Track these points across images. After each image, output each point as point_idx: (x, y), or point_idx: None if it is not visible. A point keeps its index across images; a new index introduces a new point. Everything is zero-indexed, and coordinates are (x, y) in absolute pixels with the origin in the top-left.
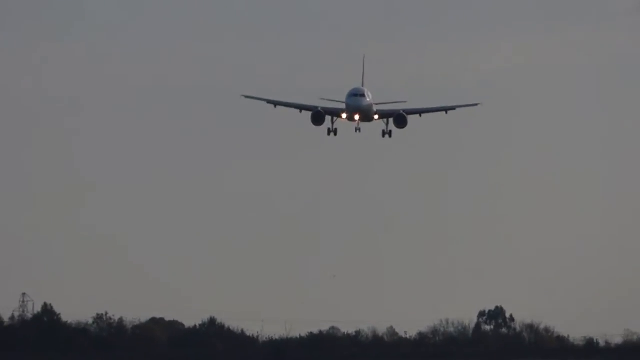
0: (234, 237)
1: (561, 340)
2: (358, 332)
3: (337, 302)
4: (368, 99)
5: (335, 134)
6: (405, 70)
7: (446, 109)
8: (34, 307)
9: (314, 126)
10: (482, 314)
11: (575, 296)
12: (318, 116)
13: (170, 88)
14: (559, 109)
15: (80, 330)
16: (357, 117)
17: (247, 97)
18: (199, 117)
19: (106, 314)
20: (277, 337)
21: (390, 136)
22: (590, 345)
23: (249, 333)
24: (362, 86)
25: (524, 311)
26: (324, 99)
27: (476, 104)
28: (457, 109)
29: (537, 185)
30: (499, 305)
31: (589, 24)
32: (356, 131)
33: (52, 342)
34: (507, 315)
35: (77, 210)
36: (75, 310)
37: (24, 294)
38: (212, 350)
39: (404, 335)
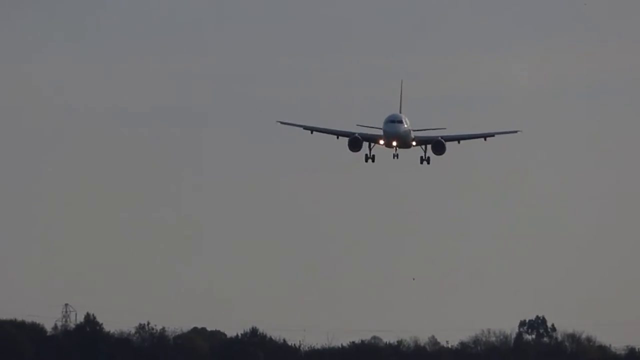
0: (276, 248)
1: (603, 350)
2: (400, 342)
3: (379, 312)
4: (406, 125)
5: (373, 160)
6: (444, 96)
7: (485, 136)
8: (77, 317)
9: (351, 152)
10: (522, 324)
11: (616, 305)
12: (355, 142)
13: (203, 115)
14: (600, 132)
15: (122, 340)
16: (394, 143)
17: (282, 123)
18: (234, 144)
19: (148, 323)
20: (319, 346)
21: (428, 163)
22: (632, 354)
23: (290, 343)
24: (400, 112)
25: (565, 320)
26: (360, 125)
27: (516, 131)
28: (497, 136)
29: (575, 200)
30: (540, 315)
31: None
32: (394, 157)
33: (94, 352)
34: (549, 324)
35: (119, 220)
36: (118, 320)
37: (66, 304)
38: (255, 359)
39: (445, 345)
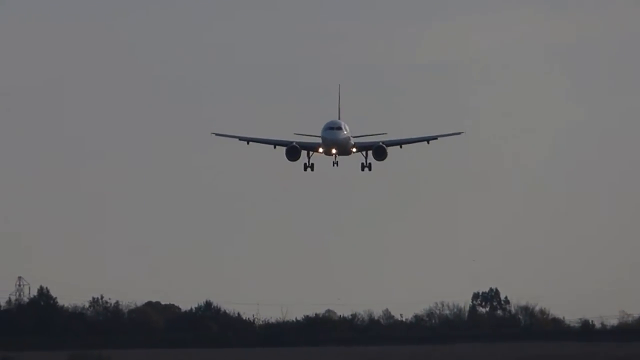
0: (230, 226)
1: (557, 322)
2: (354, 315)
3: (334, 286)
4: (345, 132)
5: (312, 169)
6: (384, 101)
7: (428, 139)
8: (30, 291)
9: (289, 162)
10: (476, 296)
11: (570, 278)
12: (293, 151)
13: (137, 129)
14: (543, 128)
15: (76, 314)
16: (334, 150)
17: (217, 134)
18: (171, 159)
19: (102, 297)
20: (273, 320)
21: (370, 169)
22: (586, 326)
23: (245, 317)
24: (339, 118)
25: (519, 293)
26: (298, 134)
27: (459, 133)
28: (440, 138)
29: (527, 178)
30: (493, 287)
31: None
32: (333, 165)
33: (48, 326)
34: (502, 297)
35: (72, 193)
36: (72, 294)
37: (19, 278)
38: (209, 333)
39: (399, 318)
